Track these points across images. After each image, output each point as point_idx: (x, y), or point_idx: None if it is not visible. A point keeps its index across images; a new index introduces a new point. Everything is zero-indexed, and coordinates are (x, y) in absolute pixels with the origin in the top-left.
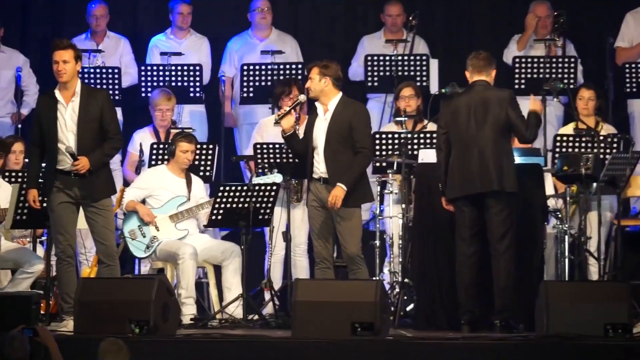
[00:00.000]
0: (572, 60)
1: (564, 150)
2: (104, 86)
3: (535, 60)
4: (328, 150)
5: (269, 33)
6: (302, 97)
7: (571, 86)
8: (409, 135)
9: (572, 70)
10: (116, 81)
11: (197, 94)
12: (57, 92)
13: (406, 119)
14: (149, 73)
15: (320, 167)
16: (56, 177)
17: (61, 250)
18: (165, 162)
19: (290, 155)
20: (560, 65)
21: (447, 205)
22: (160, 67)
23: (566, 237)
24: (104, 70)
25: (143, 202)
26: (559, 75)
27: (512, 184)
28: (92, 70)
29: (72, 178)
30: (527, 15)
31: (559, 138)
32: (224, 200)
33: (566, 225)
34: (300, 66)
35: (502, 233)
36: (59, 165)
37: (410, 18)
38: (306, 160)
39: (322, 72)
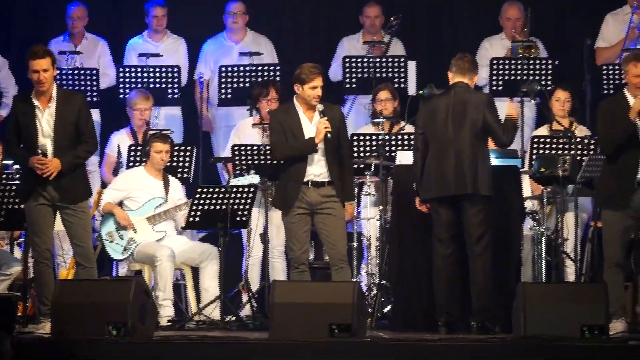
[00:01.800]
0: (550, 62)
1: (540, 151)
2: (82, 87)
3: (513, 62)
4: (326, 154)
5: (244, 35)
6: (320, 107)
7: (548, 88)
8: (386, 137)
9: (549, 72)
10: (94, 82)
11: (175, 96)
12: (33, 97)
13: (383, 120)
14: (127, 74)
15: (312, 170)
16: (35, 180)
17: (38, 253)
18: (143, 164)
19: (268, 157)
20: (537, 66)
21: (420, 205)
22: (138, 69)
23: (543, 238)
24: (82, 72)
25: (120, 204)
26: (536, 77)
27: (487, 187)
28: (70, 72)
29: (50, 181)
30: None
31: (535, 139)
32: (202, 202)
33: (543, 227)
34: (277, 67)
35: (479, 235)
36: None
37: (392, 19)
38: (293, 165)
39: None
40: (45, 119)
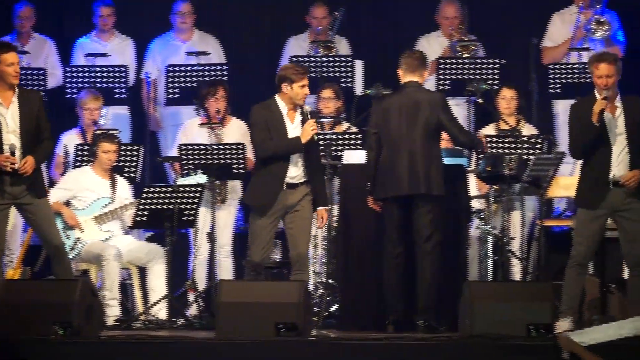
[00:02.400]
0: (496, 61)
1: (487, 150)
2: (29, 87)
3: (460, 61)
4: (302, 156)
5: (191, 35)
6: (307, 107)
7: (495, 87)
8: (333, 137)
9: (495, 71)
10: (41, 82)
11: (123, 95)
12: None
13: (322, 120)
14: (74, 74)
15: (290, 173)
16: (3, 176)
17: None
18: (90, 164)
19: (215, 157)
20: (483, 66)
21: (373, 204)
22: (86, 69)
23: (489, 237)
24: (29, 72)
25: (67, 203)
26: (483, 77)
27: (439, 187)
28: None
29: (13, 177)
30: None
31: (482, 138)
32: (149, 201)
33: (489, 226)
34: (225, 67)
35: (429, 234)
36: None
37: (335, 13)
38: (274, 165)
39: None
40: (10, 115)
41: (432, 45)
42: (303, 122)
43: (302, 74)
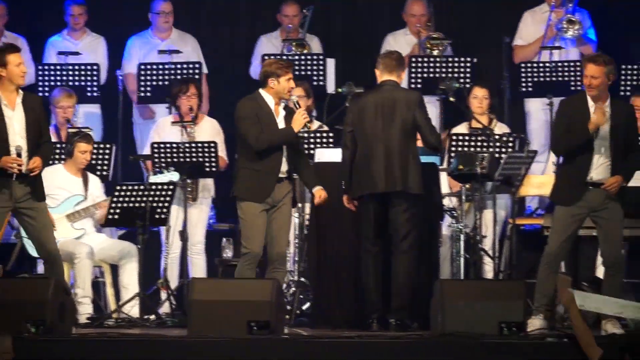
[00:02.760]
0: (468, 60)
1: (459, 149)
2: None
3: (432, 60)
4: (287, 149)
5: (170, 33)
6: (294, 97)
7: (467, 85)
8: (305, 135)
9: (467, 70)
10: None
11: (94, 94)
12: (1, 97)
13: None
14: (46, 72)
15: (282, 167)
16: (5, 181)
17: None
18: (62, 162)
19: (188, 155)
20: (455, 65)
21: (348, 203)
22: (58, 67)
23: (461, 235)
24: None
25: None
26: (454, 75)
27: (417, 185)
28: None
29: (17, 180)
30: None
31: (454, 137)
32: (121, 199)
33: (461, 224)
34: (197, 65)
35: (405, 232)
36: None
37: (304, 10)
38: (268, 157)
39: None
40: (16, 118)
41: (399, 42)
42: (288, 115)
43: (288, 67)
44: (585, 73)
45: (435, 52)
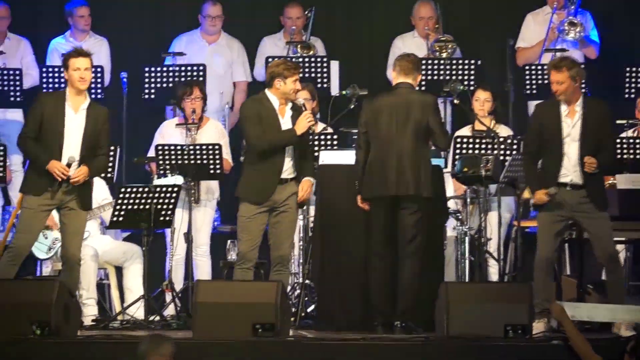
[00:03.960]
0: (472, 62)
1: (463, 151)
2: (5, 87)
3: (436, 62)
4: (292, 150)
5: (218, 37)
6: (301, 100)
7: (471, 88)
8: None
9: (471, 72)
10: (17, 82)
11: (98, 96)
12: (67, 99)
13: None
14: (50, 74)
15: (285, 168)
16: (48, 179)
17: (15, 248)
18: None
19: (192, 157)
20: (459, 67)
21: (362, 203)
22: (62, 69)
23: (466, 238)
24: (5, 72)
25: None
26: (459, 77)
27: (428, 189)
28: None
29: (64, 184)
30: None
31: (458, 139)
32: (126, 201)
33: (466, 227)
34: (201, 68)
35: (412, 236)
36: None
37: (306, 12)
38: (269, 159)
39: None
40: (77, 123)
41: (408, 45)
42: (294, 116)
43: (294, 69)
44: (550, 79)
45: (444, 55)
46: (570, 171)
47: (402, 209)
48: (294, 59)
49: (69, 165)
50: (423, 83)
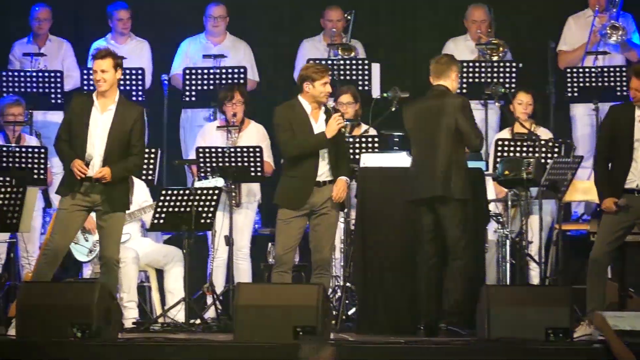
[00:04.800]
0: (514, 65)
1: (504, 154)
2: (47, 89)
3: (477, 64)
4: (328, 153)
5: (223, 38)
6: (330, 103)
7: (512, 90)
8: (351, 140)
9: (513, 75)
10: (58, 84)
11: (140, 98)
12: (95, 98)
13: (347, 123)
14: (91, 77)
15: (321, 172)
16: (79, 180)
17: (51, 249)
18: None
19: (233, 160)
20: (501, 69)
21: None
22: None
23: (507, 241)
24: (46, 74)
25: None
26: (500, 80)
27: (461, 190)
28: (34, 74)
29: (95, 184)
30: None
31: (499, 142)
32: (166, 204)
33: (507, 230)
34: (242, 70)
35: (455, 238)
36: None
37: (346, 15)
38: (303, 163)
39: None
40: (102, 122)
41: (460, 48)
42: (327, 119)
43: (323, 72)
44: (630, 85)
45: (494, 58)
46: (637, 176)
47: (438, 212)
48: (335, 62)
49: (87, 164)
50: (464, 86)
